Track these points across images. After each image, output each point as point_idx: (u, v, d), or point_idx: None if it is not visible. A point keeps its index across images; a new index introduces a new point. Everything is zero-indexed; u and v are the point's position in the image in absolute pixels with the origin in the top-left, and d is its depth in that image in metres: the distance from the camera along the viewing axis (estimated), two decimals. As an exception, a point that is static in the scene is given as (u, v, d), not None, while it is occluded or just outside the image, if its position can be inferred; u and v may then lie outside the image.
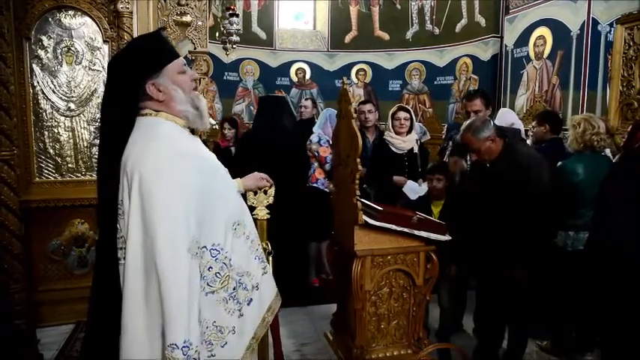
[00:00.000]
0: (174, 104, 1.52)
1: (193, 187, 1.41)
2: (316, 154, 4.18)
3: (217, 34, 6.84)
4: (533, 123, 3.94)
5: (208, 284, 1.48)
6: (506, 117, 3.95)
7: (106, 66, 3.26)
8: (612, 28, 5.01)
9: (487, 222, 2.69)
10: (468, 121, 2.73)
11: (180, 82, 1.53)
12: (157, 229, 1.32)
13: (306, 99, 5.35)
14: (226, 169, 1.68)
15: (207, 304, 1.48)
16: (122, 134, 1.47)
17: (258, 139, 3.97)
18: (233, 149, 4.82)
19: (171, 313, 1.31)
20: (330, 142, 4.05)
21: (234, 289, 1.55)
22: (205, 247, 1.46)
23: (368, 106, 4.33)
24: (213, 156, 1.67)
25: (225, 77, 8.44)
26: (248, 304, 1.61)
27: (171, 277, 1.31)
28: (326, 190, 4.20)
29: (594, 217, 2.68)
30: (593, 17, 5.54)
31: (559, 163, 3.04)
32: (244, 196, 1.98)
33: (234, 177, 1.80)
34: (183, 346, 1.31)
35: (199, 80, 4.28)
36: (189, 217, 1.38)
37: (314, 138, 4.23)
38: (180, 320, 1.32)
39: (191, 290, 1.35)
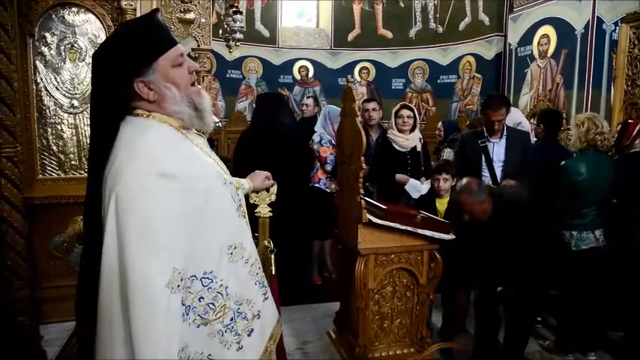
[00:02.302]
0: (166, 105, 1.33)
1: (177, 212, 1.23)
2: (317, 154, 4.17)
3: (220, 32, 6.84)
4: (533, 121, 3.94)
5: (200, 316, 1.32)
6: (513, 116, 3.94)
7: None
8: (617, 27, 5.00)
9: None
10: (463, 183, 2.77)
11: (174, 78, 1.33)
12: (128, 264, 1.16)
13: (307, 97, 5.34)
14: (229, 180, 1.50)
15: (199, 338, 1.33)
16: (110, 139, 1.30)
17: (256, 137, 3.95)
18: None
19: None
20: (332, 142, 4.03)
21: (231, 319, 1.41)
22: (195, 276, 1.30)
23: (372, 104, 4.31)
24: (213, 166, 1.47)
25: (228, 75, 8.43)
26: (249, 335, 1.46)
27: (146, 324, 1.15)
28: (327, 190, 4.19)
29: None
30: (597, 16, 5.52)
31: (562, 163, 3.03)
32: (246, 195, 1.83)
33: (234, 177, 1.62)
34: None
35: (202, 78, 4.28)
36: (170, 246, 1.21)
37: (315, 138, 4.20)
38: None
39: (169, 332, 1.18)
